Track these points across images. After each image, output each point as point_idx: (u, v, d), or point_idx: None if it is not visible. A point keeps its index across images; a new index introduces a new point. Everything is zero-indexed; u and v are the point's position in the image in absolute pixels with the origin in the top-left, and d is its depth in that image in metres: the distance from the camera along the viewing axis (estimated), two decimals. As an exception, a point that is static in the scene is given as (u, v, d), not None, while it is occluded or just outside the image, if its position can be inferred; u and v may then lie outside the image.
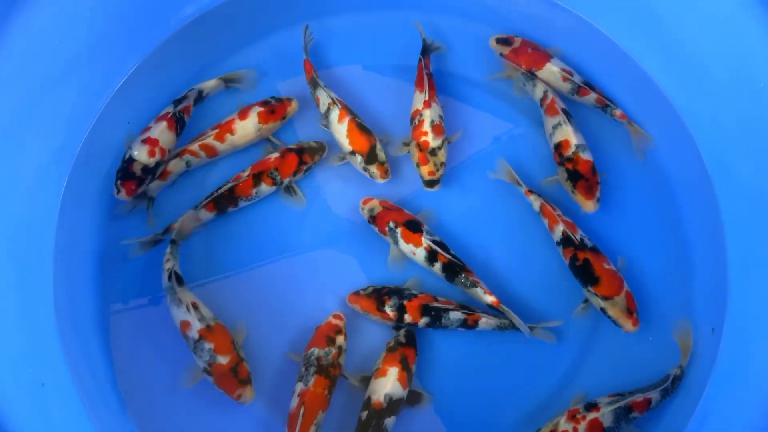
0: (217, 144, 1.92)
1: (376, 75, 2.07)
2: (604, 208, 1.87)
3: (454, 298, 1.79)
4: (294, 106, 1.97)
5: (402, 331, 1.75)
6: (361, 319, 1.81)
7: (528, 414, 1.73)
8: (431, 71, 1.99)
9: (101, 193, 1.89)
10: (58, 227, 1.80)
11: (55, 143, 1.84)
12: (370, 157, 1.86)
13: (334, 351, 1.68)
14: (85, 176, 1.88)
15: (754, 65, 1.75)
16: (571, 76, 1.96)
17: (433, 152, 1.87)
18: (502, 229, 1.91)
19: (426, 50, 2.02)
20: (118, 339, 1.79)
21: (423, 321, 1.73)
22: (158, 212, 1.91)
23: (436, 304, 1.73)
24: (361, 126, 1.89)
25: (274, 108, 1.95)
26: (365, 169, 1.88)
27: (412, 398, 1.70)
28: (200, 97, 2.00)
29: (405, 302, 1.73)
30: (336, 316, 1.76)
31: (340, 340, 1.70)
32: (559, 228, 1.80)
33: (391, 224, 1.81)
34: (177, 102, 1.94)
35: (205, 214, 1.86)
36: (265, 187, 1.88)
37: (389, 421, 1.61)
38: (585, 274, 1.74)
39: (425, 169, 1.87)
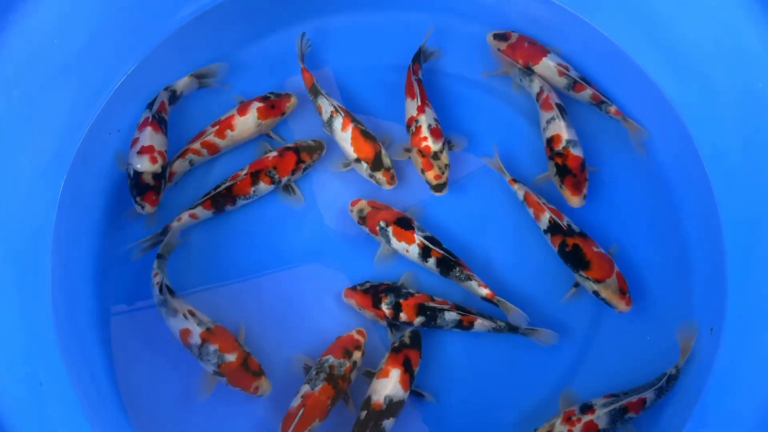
0: (218, 141, 1.92)
1: (374, 75, 2.06)
2: (600, 204, 1.88)
3: (449, 296, 1.78)
4: (293, 101, 1.97)
5: (407, 332, 1.74)
6: (362, 320, 1.80)
7: (528, 414, 1.74)
8: (420, 77, 1.97)
9: (100, 193, 1.89)
10: (56, 227, 1.80)
11: (54, 143, 1.83)
12: (376, 164, 1.86)
13: (348, 364, 1.67)
14: (83, 176, 1.87)
15: (752, 63, 1.74)
16: (568, 71, 1.96)
17: (436, 156, 1.86)
18: (499, 226, 1.91)
19: (420, 58, 2.00)
20: (117, 339, 1.79)
21: (418, 320, 1.73)
22: (157, 212, 1.89)
23: (431, 304, 1.73)
24: (365, 133, 1.88)
25: (273, 103, 1.95)
26: (371, 176, 1.88)
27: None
28: (174, 96, 1.99)
29: (401, 300, 1.73)
30: (359, 332, 1.74)
31: (356, 355, 1.69)
32: (546, 216, 1.80)
33: (382, 223, 1.80)
34: (150, 105, 1.94)
35: (203, 212, 1.86)
36: (263, 186, 1.87)
37: (388, 423, 1.61)
38: (575, 259, 1.75)
39: (431, 174, 1.86)
